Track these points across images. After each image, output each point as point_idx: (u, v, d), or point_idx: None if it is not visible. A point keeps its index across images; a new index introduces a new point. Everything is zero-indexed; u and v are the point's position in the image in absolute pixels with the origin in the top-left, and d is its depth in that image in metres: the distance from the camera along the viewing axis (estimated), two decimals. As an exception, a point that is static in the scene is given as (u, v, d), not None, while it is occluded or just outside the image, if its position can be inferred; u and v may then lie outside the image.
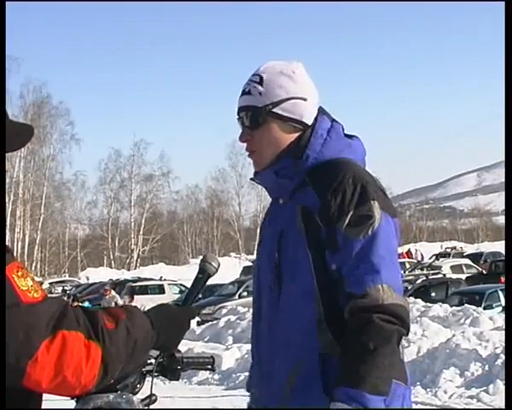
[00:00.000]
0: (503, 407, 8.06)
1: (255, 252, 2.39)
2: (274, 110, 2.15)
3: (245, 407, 2.37)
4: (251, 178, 2.32)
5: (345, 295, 2.00)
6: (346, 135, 2.25)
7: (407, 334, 2.00)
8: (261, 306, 2.24)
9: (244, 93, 2.20)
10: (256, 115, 2.16)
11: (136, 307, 1.82)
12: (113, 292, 21.73)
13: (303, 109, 2.17)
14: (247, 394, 2.40)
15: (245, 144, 2.22)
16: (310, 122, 2.19)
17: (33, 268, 51.85)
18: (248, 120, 2.18)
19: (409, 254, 44.93)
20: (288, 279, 2.11)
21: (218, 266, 2.15)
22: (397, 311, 1.96)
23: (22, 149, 2.19)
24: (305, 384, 2.05)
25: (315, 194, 2.09)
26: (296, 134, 2.18)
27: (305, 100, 2.18)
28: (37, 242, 54.49)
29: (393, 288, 1.97)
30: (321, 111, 2.24)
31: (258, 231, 2.43)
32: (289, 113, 2.16)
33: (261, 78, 2.18)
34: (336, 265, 2.02)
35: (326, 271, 2.04)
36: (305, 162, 2.15)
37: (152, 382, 2.02)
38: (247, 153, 2.23)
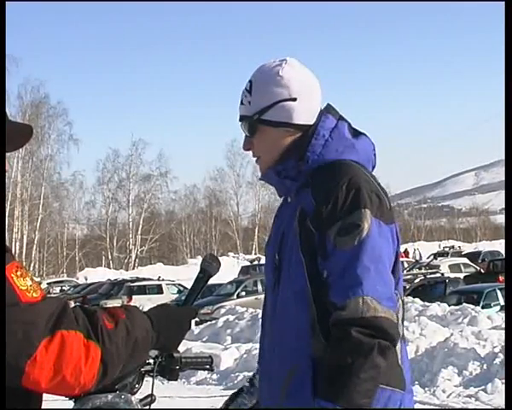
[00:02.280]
0: (501, 406, 8.07)
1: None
2: (262, 117, 2.15)
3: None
4: (259, 178, 2.32)
5: (329, 304, 1.98)
6: (355, 132, 2.20)
7: (393, 345, 1.96)
8: (266, 304, 2.25)
9: (240, 102, 2.21)
10: (250, 124, 2.18)
11: (136, 306, 1.82)
12: None
13: (292, 111, 2.13)
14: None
15: (249, 152, 2.23)
16: (303, 121, 2.15)
17: (31, 268, 51.78)
18: (246, 130, 2.20)
19: (405, 253, 44.95)
20: (284, 282, 2.11)
21: (219, 265, 2.15)
22: (378, 323, 1.91)
23: (20, 149, 2.19)
24: (298, 389, 2.05)
25: (311, 197, 2.07)
26: (294, 136, 2.15)
27: (294, 100, 2.13)
28: (36, 242, 54.40)
29: (378, 299, 1.93)
30: (326, 109, 2.20)
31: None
32: (277, 117, 2.14)
33: (251, 85, 2.18)
34: (326, 272, 2.00)
35: (319, 276, 2.02)
36: (305, 164, 2.12)
37: (153, 382, 2.03)
38: (255, 159, 2.24)
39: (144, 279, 33.84)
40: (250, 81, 2.19)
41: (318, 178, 2.10)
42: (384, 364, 1.92)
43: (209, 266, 2.12)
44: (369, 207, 2.00)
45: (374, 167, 2.22)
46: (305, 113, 2.15)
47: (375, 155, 2.24)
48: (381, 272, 1.97)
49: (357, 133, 2.21)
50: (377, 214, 2.01)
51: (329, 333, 1.99)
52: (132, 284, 30.52)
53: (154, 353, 2.02)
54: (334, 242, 1.99)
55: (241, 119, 2.21)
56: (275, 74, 2.15)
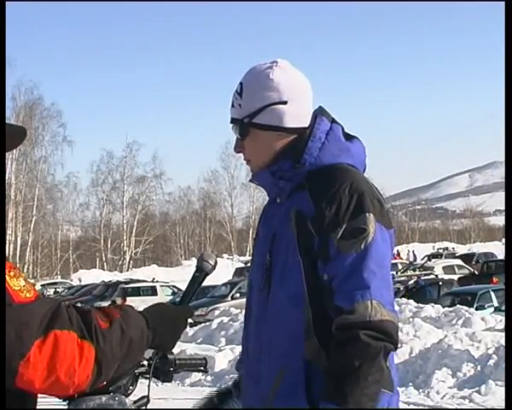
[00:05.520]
0: (495, 407, 8.10)
1: (251, 250, 2.38)
2: (253, 121, 2.14)
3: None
4: (250, 180, 2.30)
5: (333, 308, 1.98)
6: (348, 135, 2.20)
7: (395, 349, 1.98)
8: (251, 304, 2.23)
9: (231, 105, 2.20)
10: (240, 127, 2.17)
11: (131, 306, 1.82)
12: None
13: (282, 114, 2.12)
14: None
15: (241, 154, 2.22)
16: (295, 124, 2.14)
17: (25, 270, 51.64)
18: (237, 132, 2.19)
19: (398, 255, 45.04)
20: (277, 283, 2.10)
21: (216, 264, 2.15)
22: (384, 327, 1.93)
23: (14, 150, 2.20)
24: (288, 391, 2.04)
25: (310, 199, 2.06)
26: (287, 139, 2.14)
27: (284, 103, 2.12)
28: (29, 244, 54.30)
29: (383, 303, 1.95)
30: (319, 111, 2.19)
31: (257, 227, 2.39)
32: (268, 121, 2.13)
33: (241, 88, 2.16)
34: (328, 276, 2.00)
35: (317, 279, 2.02)
36: (302, 166, 2.12)
37: (149, 384, 2.02)
38: (245, 162, 2.23)
39: (138, 281, 33.82)
40: (241, 83, 2.17)
41: (316, 181, 2.09)
42: (386, 367, 1.94)
43: (205, 265, 2.12)
44: (373, 211, 2.02)
45: (364, 170, 2.23)
46: (296, 116, 2.14)
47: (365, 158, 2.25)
48: (384, 276, 2.00)
49: (349, 137, 2.21)
50: (379, 219, 2.03)
51: (325, 336, 1.99)
52: (126, 286, 30.50)
53: (148, 354, 2.02)
54: (337, 245, 1.98)
55: (232, 121, 2.19)
56: (265, 77, 2.14)
